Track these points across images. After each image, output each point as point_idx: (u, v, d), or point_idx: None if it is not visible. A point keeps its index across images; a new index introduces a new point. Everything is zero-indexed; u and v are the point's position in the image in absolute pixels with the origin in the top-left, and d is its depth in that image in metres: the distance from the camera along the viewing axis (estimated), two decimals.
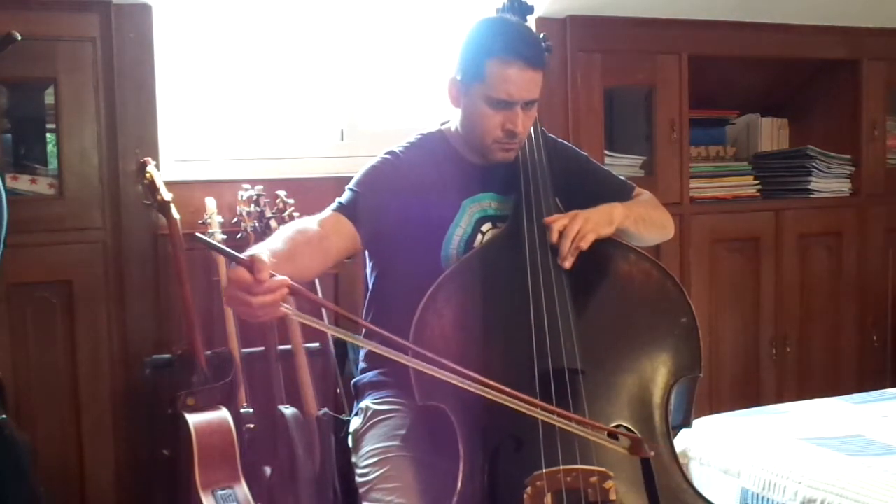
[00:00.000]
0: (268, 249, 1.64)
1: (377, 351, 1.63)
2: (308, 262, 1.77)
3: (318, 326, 1.62)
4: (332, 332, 1.59)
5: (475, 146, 1.97)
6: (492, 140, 1.92)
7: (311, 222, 1.85)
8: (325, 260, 1.83)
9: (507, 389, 1.57)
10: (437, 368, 1.57)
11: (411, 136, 2.04)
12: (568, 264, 1.83)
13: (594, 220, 1.86)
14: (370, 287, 2.05)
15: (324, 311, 2.56)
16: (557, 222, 1.85)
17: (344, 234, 1.87)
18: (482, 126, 1.91)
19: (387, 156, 1.99)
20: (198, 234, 1.62)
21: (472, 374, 1.57)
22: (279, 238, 1.75)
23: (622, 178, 2.18)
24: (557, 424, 1.61)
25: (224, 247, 1.58)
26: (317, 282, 2.69)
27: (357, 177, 1.97)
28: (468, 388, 1.57)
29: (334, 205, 1.93)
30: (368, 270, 2.05)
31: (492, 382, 1.57)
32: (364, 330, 1.77)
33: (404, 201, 1.92)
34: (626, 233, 1.97)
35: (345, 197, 1.93)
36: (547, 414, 1.60)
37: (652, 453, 1.63)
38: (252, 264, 1.50)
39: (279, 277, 1.52)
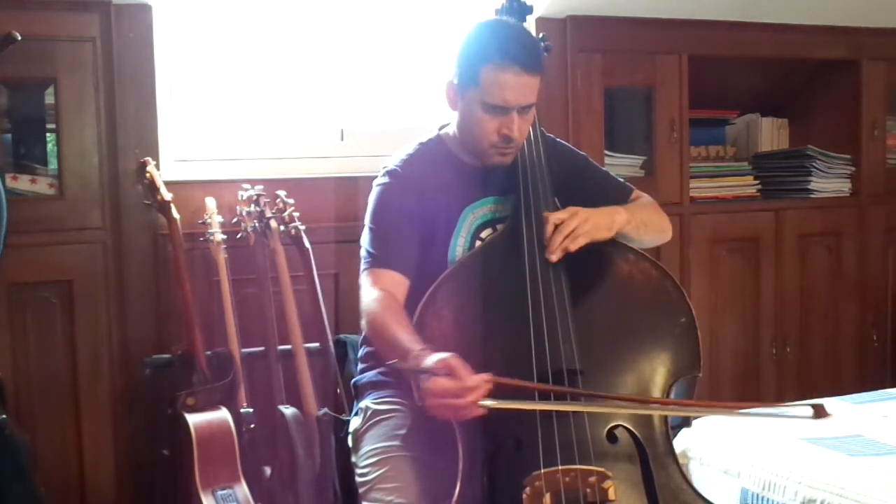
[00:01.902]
0: (418, 343, 1.67)
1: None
2: None
3: (523, 408, 1.63)
4: (538, 408, 1.63)
5: (472, 150, 1.97)
6: (488, 144, 1.92)
7: (378, 294, 1.84)
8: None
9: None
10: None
11: (409, 147, 2.04)
12: (554, 258, 1.82)
13: (593, 222, 1.86)
14: None
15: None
16: (555, 215, 1.85)
17: (398, 282, 1.89)
18: (478, 130, 1.91)
19: (388, 179, 1.98)
20: (394, 361, 1.66)
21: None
22: (399, 323, 1.76)
23: (621, 179, 2.18)
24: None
25: (417, 367, 1.60)
26: (317, 282, 2.70)
27: (370, 213, 1.97)
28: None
29: (366, 257, 1.94)
30: None
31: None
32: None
33: (414, 217, 1.93)
34: (625, 237, 1.97)
35: (369, 243, 1.94)
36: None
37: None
38: (453, 370, 1.55)
39: (480, 376, 1.56)
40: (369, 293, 1.86)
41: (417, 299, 1.82)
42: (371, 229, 1.95)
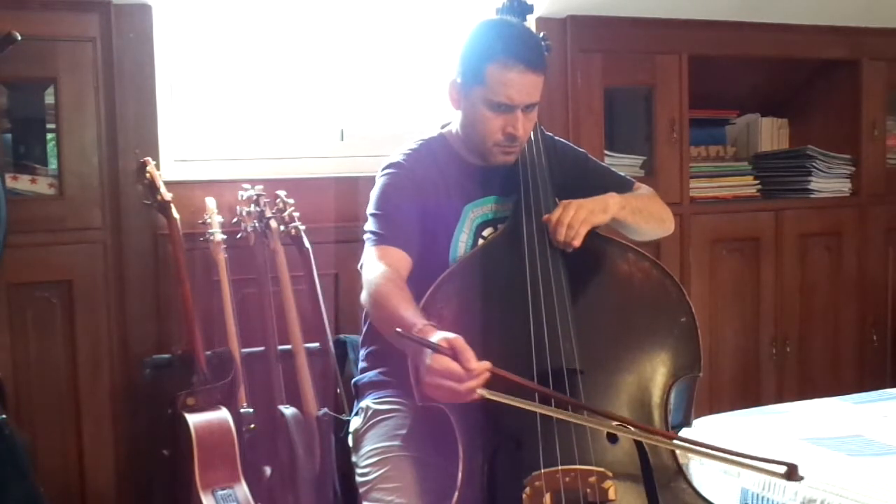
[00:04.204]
0: (422, 318, 1.64)
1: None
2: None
3: (516, 404, 1.60)
4: (532, 408, 1.61)
5: (475, 149, 1.97)
6: (492, 143, 1.92)
7: (383, 268, 1.82)
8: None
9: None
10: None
11: (411, 143, 2.03)
12: (569, 250, 1.83)
13: (588, 208, 1.85)
14: None
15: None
16: (553, 215, 1.85)
17: (401, 259, 1.87)
18: (483, 129, 1.91)
19: (392, 169, 1.97)
20: (398, 329, 1.60)
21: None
22: (403, 297, 1.73)
23: (622, 173, 2.18)
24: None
25: (423, 338, 1.57)
26: (317, 282, 2.70)
27: (374, 200, 1.96)
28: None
29: (370, 237, 1.91)
30: None
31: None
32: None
33: (417, 210, 1.92)
34: (623, 225, 1.96)
35: (374, 225, 1.92)
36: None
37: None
38: (458, 352, 1.53)
39: (483, 363, 1.55)
40: (373, 267, 1.83)
41: (419, 296, 1.82)
42: (375, 214, 1.93)
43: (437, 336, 1.57)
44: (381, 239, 1.89)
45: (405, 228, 1.90)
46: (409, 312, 1.67)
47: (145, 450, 2.73)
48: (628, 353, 1.81)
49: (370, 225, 1.94)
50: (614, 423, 1.65)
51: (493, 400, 1.57)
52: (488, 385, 1.57)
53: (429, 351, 1.56)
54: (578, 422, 1.63)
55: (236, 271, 2.69)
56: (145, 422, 2.74)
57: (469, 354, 1.54)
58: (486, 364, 1.56)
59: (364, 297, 1.84)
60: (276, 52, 3.04)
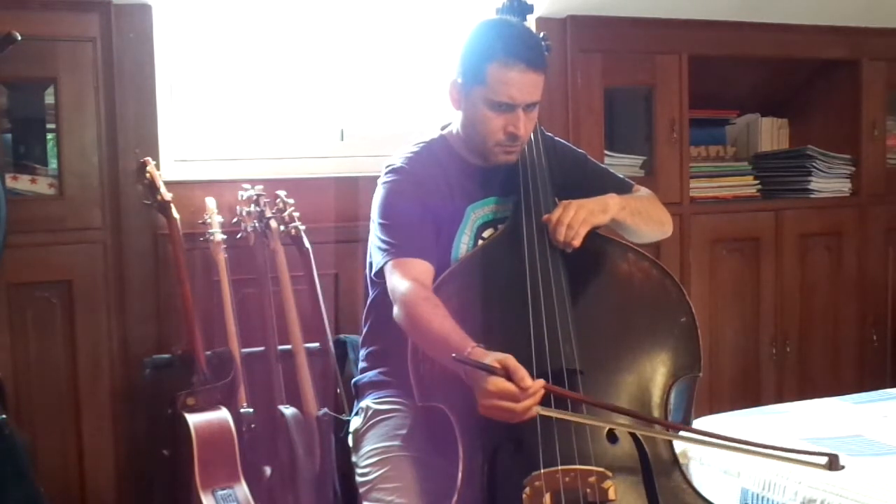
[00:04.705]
0: (469, 339, 1.64)
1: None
2: None
3: (574, 419, 1.62)
4: (589, 422, 1.62)
5: (476, 149, 1.97)
6: (493, 143, 1.92)
7: (411, 285, 1.80)
8: None
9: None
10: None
11: (412, 145, 2.03)
12: (569, 250, 1.83)
13: (588, 208, 1.85)
14: (372, 293, 2.04)
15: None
16: (553, 215, 1.85)
17: (425, 270, 1.85)
18: (484, 129, 1.91)
19: (395, 175, 1.96)
20: (454, 355, 1.59)
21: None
22: (444, 317, 1.72)
23: (621, 175, 2.18)
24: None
25: (479, 362, 1.57)
26: (317, 282, 2.70)
27: (380, 208, 1.94)
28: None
29: (386, 248, 1.89)
30: (372, 274, 2.01)
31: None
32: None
33: (421, 212, 1.92)
34: (622, 226, 1.97)
35: (386, 236, 1.90)
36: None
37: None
38: (512, 372, 1.54)
39: (537, 381, 1.56)
40: (401, 284, 1.80)
41: None
42: (385, 224, 1.91)
43: (489, 358, 1.57)
44: (398, 251, 1.87)
45: (419, 236, 1.89)
46: (456, 335, 1.66)
47: (145, 450, 2.73)
48: (628, 353, 1.81)
49: (382, 234, 1.91)
50: (660, 428, 1.66)
51: (549, 416, 1.58)
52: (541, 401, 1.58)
53: (484, 374, 1.56)
54: (634, 431, 1.66)
55: (236, 271, 2.69)
56: (145, 422, 2.74)
57: (523, 373, 1.55)
58: (541, 382, 1.57)
59: (400, 317, 1.79)
60: (276, 51, 3.04)
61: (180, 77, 2.91)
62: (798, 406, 2.72)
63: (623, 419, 1.68)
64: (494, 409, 1.56)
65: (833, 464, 1.56)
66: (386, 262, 1.87)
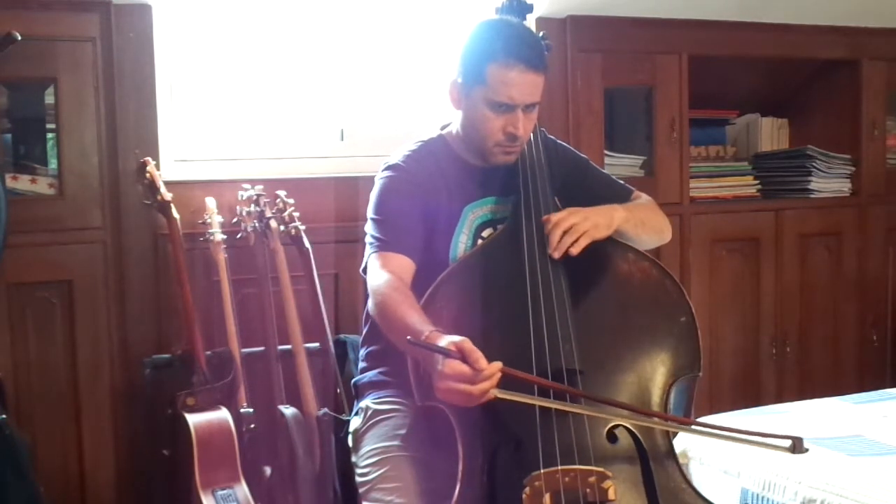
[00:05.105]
0: (431, 325, 1.64)
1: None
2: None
3: (531, 402, 1.62)
4: (546, 404, 1.62)
5: (476, 149, 1.97)
6: (493, 143, 1.92)
7: (387, 276, 1.81)
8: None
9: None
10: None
11: (411, 144, 2.03)
12: (557, 255, 1.82)
13: (592, 220, 1.85)
14: None
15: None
16: (554, 215, 1.85)
17: (405, 266, 1.87)
18: (483, 129, 1.91)
19: (392, 172, 1.97)
20: (408, 338, 1.60)
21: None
22: (409, 305, 1.73)
23: (621, 181, 2.18)
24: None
25: (433, 344, 1.57)
26: (317, 282, 2.70)
27: (374, 203, 1.96)
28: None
29: (372, 242, 1.91)
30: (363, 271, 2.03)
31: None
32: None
33: (418, 212, 1.92)
34: (623, 236, 1.97)
35: (375, 230, 1.92)
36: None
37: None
38: (467, 355, 1.53)
39: (494, 364, 1.55)
40: (377, 275, 1.83)
41: (419, 296, 1.82)
42: (376, 219, 1.93)
43: (445, 340, 1.57)
44: (383, 245, 1.89)
45: (407, 233, 1.89)
46: (416, 320, 1.67)
47: (145, 450, 2.73)
48: (628, 352, 1.81)
49: (371, 229, 1.93)
50: (625, 412, 1.66)
51: (507, 399, 1.57)
52: (501, 385, 1.57)
53: (440, 357, 1.56)
54: (592, 413, 1.64)
55: (236, 271, 2.69)
56: (145, 422, 2.74)
57: (477, 355, 1.54)
58: (498, 364, 1.56)
59: (371, 306, 1.84)
60: (276, 52, 3.04)
61: (180, 77, 2.91)
62: (798, 406, 2.72)
63: (593, 407, 1.68)
64: (450, 391, 1.55)
65: (797, 447, 1.58)
66: (370, 255, 1.90)
